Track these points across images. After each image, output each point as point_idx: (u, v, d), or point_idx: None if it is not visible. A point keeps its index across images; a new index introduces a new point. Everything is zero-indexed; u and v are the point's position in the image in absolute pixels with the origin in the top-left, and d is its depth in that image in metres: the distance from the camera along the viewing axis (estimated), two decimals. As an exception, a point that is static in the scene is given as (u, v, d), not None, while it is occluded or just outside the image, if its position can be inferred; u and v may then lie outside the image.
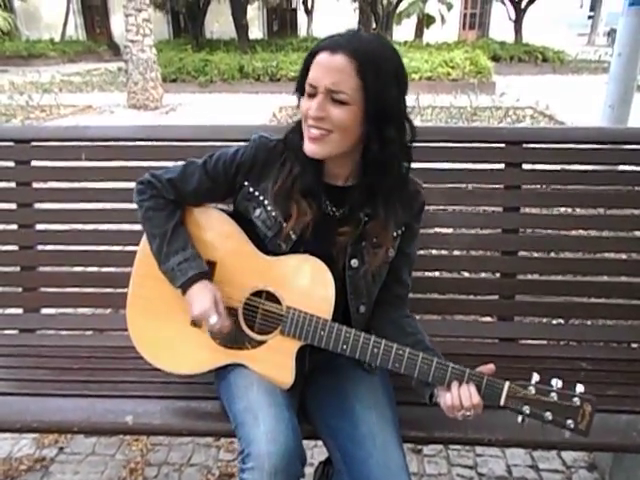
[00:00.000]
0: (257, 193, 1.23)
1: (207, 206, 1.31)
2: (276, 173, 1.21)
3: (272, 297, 1.21)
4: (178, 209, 1.28)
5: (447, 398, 1.09)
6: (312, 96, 1.10)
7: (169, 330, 1.29)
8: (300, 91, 1.15)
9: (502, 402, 1.06)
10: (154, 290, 1.29)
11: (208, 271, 1.24)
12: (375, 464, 1.08)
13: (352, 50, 1.05)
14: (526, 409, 1.05)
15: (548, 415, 1.04)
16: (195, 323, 1.26)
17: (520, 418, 1.06)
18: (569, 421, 1.03)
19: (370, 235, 1.21)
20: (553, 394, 1.04)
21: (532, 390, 1.05)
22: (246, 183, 1.24)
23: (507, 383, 1.06)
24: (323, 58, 1.07)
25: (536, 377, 1.06)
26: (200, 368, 1.27)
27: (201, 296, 1.19)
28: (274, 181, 1.21)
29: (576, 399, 1.03)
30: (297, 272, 1.20)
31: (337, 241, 1.20)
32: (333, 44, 1.07)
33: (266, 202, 1.22)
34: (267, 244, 1.22)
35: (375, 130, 1.10)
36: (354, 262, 1.21)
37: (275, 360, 1.20)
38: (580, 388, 1.04)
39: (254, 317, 1.23)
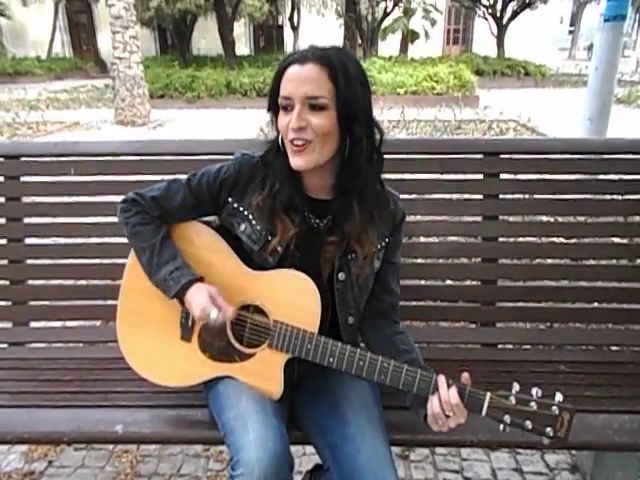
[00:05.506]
0: (242, 208, 1.25)
1: (193, 221, 1.31)
2: (259, 189, 1.24)
3: (260, 311, 1.23)
4: (164, 224, 1.29)
5: (428, 407, 1.12)
6: (288, 109, 1.13)
7: (159, 343, 1.31)
8: (273, 109, 1.17)
9: (484, 412, 1.08)
10: (143, 304, 1.31)
11: (200, 277, 1.25)
12: (364, 458, 1.12)
13: (320, 57, 1.11)
14: (507, 419, 1.06)
15: (528, 424, 1.05)
16: (184, 337, 1.28)
17: (502, 427, 1.08)
18: (548, 429, 1.05)
19: (355, 247, 1.23)
20: (533, 403, 1.05)
21: (512, 400, 1.06)
22: (230, 199, 1.26)
23: (489, 394, 1.08)
24: (294, 70, 1.11)
25: (516, 387, 1.08)
26: (189, 381, 1.29)
27: (197, 296, 1.20)
28: (257, 196, 1.23)
29: (555, 408, 1.04)
30: (283, 286, 1.21)
31: (324, 253, 1.23)
32: (300, 57, 1.12)
33: (250, 217, 1.24)
34: (254, 258, 1.25)
35: (347, 131, 1.14)
36: (341, 275, 1.24)
37: (264, 372, 1.23)
38: (559, 397, 1.05)
39: (242, 330, 1.25)
